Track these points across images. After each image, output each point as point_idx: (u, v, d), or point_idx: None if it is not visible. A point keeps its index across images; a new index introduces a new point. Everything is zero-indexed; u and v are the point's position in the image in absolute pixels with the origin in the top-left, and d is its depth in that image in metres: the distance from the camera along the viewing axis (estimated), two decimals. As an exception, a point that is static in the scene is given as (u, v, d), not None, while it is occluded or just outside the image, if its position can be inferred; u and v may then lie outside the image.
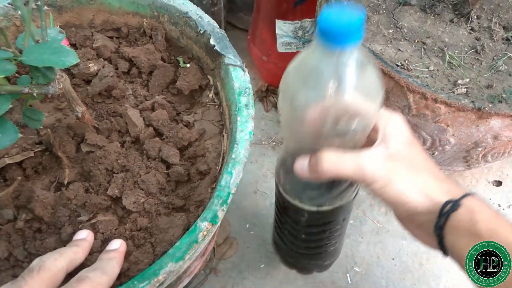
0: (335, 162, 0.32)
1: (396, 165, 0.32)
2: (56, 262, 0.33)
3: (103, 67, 0.49)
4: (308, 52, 0.29)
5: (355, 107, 0.29)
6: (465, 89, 0.50)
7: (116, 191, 0.40)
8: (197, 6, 0.51)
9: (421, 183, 0.32)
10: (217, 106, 0.49)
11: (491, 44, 0.55)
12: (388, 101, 0.53)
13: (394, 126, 0.33)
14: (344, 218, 0.45)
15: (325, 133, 0.31)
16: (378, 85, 0.30)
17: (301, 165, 0.34)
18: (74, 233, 0.39)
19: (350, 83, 0.28)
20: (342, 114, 0.29)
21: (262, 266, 0.67)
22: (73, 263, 0.34)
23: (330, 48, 0.26)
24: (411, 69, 0.52)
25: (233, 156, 0.39)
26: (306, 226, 0.44)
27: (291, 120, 0.33)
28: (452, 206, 0.30)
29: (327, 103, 0.29)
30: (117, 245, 0.37)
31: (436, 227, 0.30)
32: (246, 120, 0.42)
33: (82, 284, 0.31)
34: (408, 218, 0.34)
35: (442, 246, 0.31)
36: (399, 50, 0.54)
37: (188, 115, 0.49)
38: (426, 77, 0.52)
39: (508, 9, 0.59)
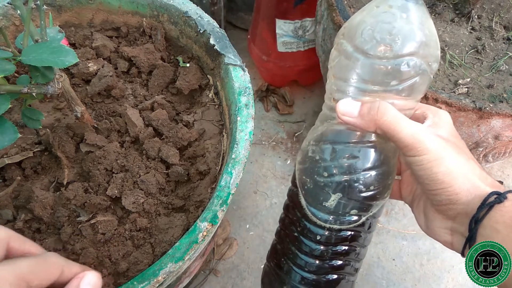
0: (396, 116, 0.31)
1: (448, 145, 0.31)
2: None
3: (103, 66, 0.49)
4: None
5: (418, 46, 0.30)
6: (466, 89, 0.50)
7: (116, 191, 0.40)
8: (197, 6, 0.51)
9: (469, 170, 0.31)
10: (217, 106, 0.49)
11: (492, 43, 0.55)
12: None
13: (441, 118, 0.34)
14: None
15: (387, 69, 0.31)
16: (437, 37, 0.32)
17: (350, 105, 0.32)
18: (73, 233, 0.39)
19: (418, 20, 0.31)
20: (408, 49, 0.31)
21: (262, 266, 0.66)
22: None
23: None
24: (412, 69, 0.52)
25: (233, 156, 0.39)
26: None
27: (350, 63, 0.33)
28: (498, 197, 0.29)
29: (393, 36, 0.31)
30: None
31: (474, 218, 0.30)
32: (246, 120, 0.41)
33: None
34: (444, 207, 0.33)
35: (471, 242, 0.31)
36: (400, 49, 0.54)
37: (188, 115, 0.49)
38: (427, 77, 0.51)
39: (509, 9, 0.58)
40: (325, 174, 0.35)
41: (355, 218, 0.35)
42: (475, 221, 0.30)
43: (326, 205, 0.35)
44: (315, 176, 0.35)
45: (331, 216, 0.35)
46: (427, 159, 0.31)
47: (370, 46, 0.31)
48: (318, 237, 0.36)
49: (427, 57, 0.31)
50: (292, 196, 0.39)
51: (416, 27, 0.31)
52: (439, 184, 0.31)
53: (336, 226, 0.35)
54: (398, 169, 0.40)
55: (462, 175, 0.31)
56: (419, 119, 0.35)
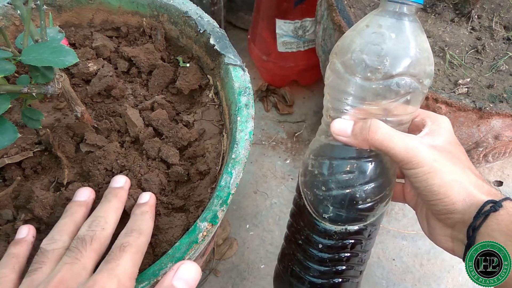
0: (387, 133, 0.31)
1: (443, 156, 0.32)
2: (104, 231, 0.32)
3: (103, 66, 0.49)
4: (370, 15, 0.32)
5: (407, 66, 0.30)
6: (466, 89, 0.50)
7: (116, 191, 0.40)
8: (197, 6, 0.51)
9: (464, 180, 0.31)
10: (217, 106, 0.49)
11: (492, 43, 0.55)
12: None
13: (440, 125, 0.34)
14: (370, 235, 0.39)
15: (377, 89, 0.31)
16: (430, 53, 0.32)
17: (343, 125, 0.33)
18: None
19: (408, 39, 0.30)
20: (397, 70, 0.30)
21: (262, 266, 0.67)
22: (116, 222, 0.34)
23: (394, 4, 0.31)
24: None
25: (233, 156, 0.39)
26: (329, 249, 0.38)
27: (342, 83, 0.33)
28: (493, 206, 0.30)
29: (383, 56, 0.30)
30: (147, 198, 0.37)
31: (471, 226, 0.30)
32: (246, 120, 0.41)
33: (124, 253, 0.31)
34: (443, 217, 0.33)
35: (470, 250, 0.31)
36: (400, 49, 0.54)
37: (188, 115, 0.49)
38: (427, 77, 0.51)
39: (509, 9, 0.59)
40: (324, 188, 0.35)
41: (355, 228, 0.36)
42: (473, 230, 0.30)
43: (326, 217, 0.36)
44: (315, 190, 0.36)
45: (331, 227, 0.36)
46: (423, 172, 0.31)
47: (360, 68, 0.31)
48: (320, 246, 0.37)
49: (417, 75, 0.31)
50: (296, 205, 0.40)
51: (405, 47, 0.30)
52: (435, 195, 0.31)
53: (336, 236, 0.36)
54: (402, 172, 0.40)
55: (457, 185, 0.31)
56: (418, 126, 0.35)
